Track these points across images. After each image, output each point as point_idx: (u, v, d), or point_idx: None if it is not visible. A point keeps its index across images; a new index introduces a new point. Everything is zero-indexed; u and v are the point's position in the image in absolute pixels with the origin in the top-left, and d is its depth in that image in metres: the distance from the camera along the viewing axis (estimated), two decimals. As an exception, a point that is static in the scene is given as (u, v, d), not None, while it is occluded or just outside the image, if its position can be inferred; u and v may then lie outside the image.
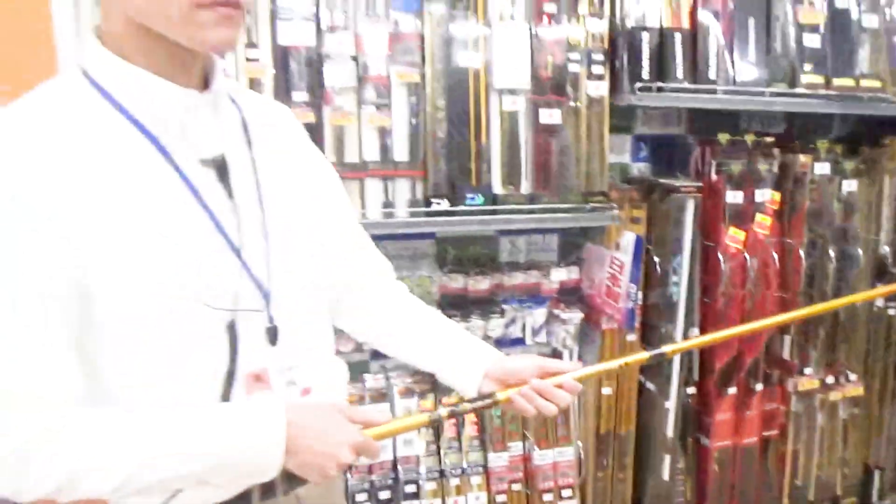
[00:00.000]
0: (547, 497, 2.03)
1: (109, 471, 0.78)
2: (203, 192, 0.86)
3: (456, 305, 1.97)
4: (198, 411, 0.85)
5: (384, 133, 1.67)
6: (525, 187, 1.80)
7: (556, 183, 1.82)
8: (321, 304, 1.04)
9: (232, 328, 0.88)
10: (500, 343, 2.08)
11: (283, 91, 1.59)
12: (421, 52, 1.68)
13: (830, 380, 2.21)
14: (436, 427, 1.93)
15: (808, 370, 2.18)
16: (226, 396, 0.88)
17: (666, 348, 1.10)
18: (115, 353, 0.83)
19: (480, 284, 2.00)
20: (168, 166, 0.83)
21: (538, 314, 2.02)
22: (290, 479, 0.91)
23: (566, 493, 2.04)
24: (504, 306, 2.01)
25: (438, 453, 1.98)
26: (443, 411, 0.99)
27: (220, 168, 0.87)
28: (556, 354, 2.08)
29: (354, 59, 1.61)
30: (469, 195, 1.74)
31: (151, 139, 0.83)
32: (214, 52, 0.87)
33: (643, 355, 1.10)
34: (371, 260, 1.19)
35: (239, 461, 0.83)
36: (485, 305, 2.00)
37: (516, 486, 2.02)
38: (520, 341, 2.09)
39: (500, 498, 2.00)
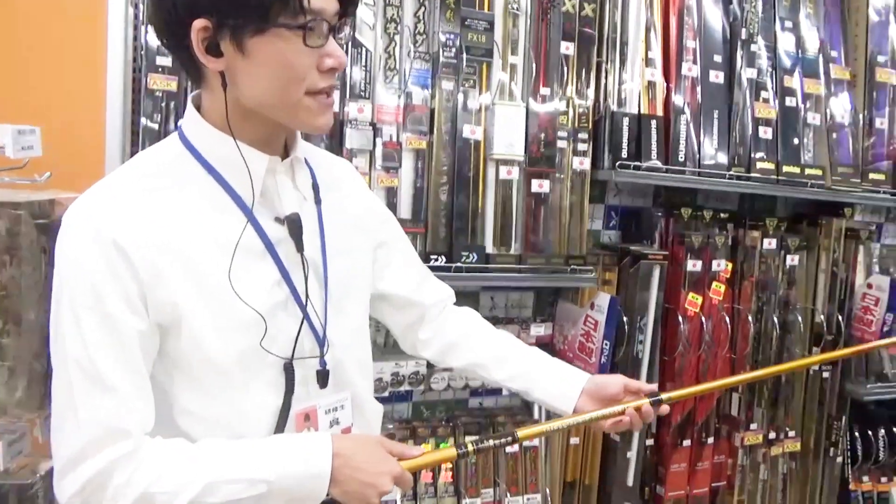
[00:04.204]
0: (517, 541, 2.13)
1: (177, 494, 0.86)
2: (276, 245, 0.97)
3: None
4: (254, 442, 0.94)
5: (391, 192, 1.80)
6: (515, 248, 1.95)
7: (542, 246, 1.98)
8: (367, 348, 1.15)
9: (288, 370, 0.98)
10: (477, 392, 2.20)
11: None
12: (430, 123, 1.84)
13: (773, 435, 2.41)
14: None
15: (753, 426, 2.39)
16: (278, 431, 0.98)
17: (664, 395, 1.21)
18: (182, 384, 0.93)
19: (463, 336, 2.12)
20: (247, 221, 0.94)
21: (516, 366, 2.15)
22: None
23: (535, 538, 2.15)
24: (484, 358, 2.13)
25: (415, 498, 2.05)
26: (469, 446, 1.06)
27: (293, 225, 0.98)
28: (528, 406, 2.22)
29: (372, 125, 1.75)
30: (464, 253, 1.88)
31: (235, 198, 0.95)
32: (318, 132, 1.00)
33: (644, 401, 1.19)
34: (436, 288, 1.29)
35: (289, 487, 0.91)
36: (465, 356, 2.11)
37: (489, 531, 2.11)
38: (497, 391, 2.21)
39: (474, 542, 2.08)
